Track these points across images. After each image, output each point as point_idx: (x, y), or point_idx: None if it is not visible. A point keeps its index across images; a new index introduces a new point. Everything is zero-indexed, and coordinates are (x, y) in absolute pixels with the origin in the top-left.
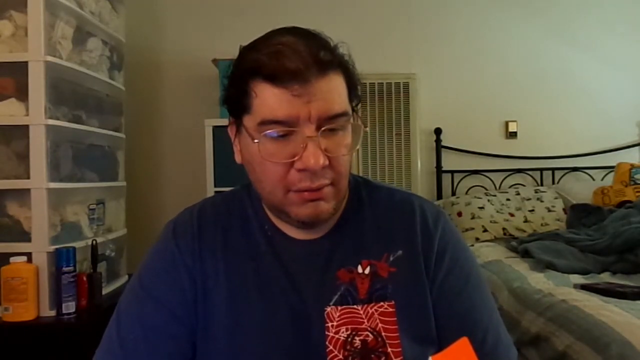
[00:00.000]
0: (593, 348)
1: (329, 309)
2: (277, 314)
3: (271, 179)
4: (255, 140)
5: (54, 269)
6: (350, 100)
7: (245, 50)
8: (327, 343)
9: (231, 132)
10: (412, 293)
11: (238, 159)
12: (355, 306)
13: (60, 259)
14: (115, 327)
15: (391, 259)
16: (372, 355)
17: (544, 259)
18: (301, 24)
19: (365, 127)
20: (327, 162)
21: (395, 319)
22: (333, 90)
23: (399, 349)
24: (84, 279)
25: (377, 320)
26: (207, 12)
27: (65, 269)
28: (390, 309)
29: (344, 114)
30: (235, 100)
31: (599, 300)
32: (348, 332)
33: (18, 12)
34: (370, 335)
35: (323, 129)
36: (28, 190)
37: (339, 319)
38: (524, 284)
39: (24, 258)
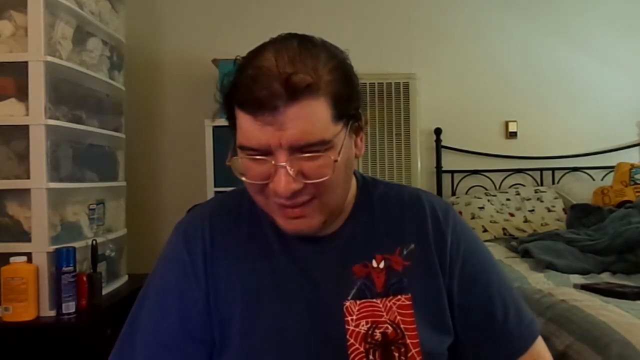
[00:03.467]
0: (593, 348)
1: (347, 303)
2: (294, 311)
3: (251, 190)
4: (235, 158)
5: (54, 269)
6: (339, 118)
7: (236, 65)
8: (347, 337)
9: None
10: (427, 285)
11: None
12: (374, 300)
13: (60, 259)
14: (129, 335)
15: (404, 252)
16: (392, 347)
17: (544, 259)
18: (301, 24)
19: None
20: (299, 186)
21: (412, 311)
22: (305, 118)
23: (417, 340)
24: (84, 279)
25: (396, 313)
26: (207, 12)
27: (65, 269)
28: (408, 302)
29: (319, 143)
30: (228, 112)
31: (599, 300)
32: (368, 325)
33: (18, 12)
34: (390, 327)
35: (294, 155)
36: (28, 190)
37: (358, 312)
38: (524, 284)
39: (24, 258)
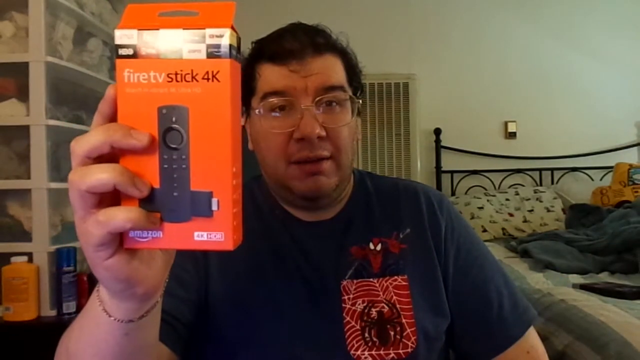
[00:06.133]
0: (592, 348)
1: (344, 282)
2: (291, 288)
3: (273, 150)
4: (257, 111)
5: (55, 269)
6: (350, 83)
7: (253, 43)
8: (344, 314)
9: (243, 122)
10: (423, 268)
11: (250, 146)
12: (370, 279)
13: (61, 258)
14: None
15: (401, 236)
16: (388, 326)
17: (543, 259)
18: None
19: (363, 120)
20: (323, 133)
21: (408, 292)
22: (329, 68)
23: (413, 320)
24: (85, 279)
25: (392, 293)
26: None
27: (65, 268)
28: (404, 283)
29: (340, 88)
30: (244, 87)
31: (598, 300)
32: (364, 304)
33: (19, 12)
34: (386, 306)
35: (318, 98)
36: (29, 190)
37: (355, 291)
38: (523, 284)
39: (25, 258)
